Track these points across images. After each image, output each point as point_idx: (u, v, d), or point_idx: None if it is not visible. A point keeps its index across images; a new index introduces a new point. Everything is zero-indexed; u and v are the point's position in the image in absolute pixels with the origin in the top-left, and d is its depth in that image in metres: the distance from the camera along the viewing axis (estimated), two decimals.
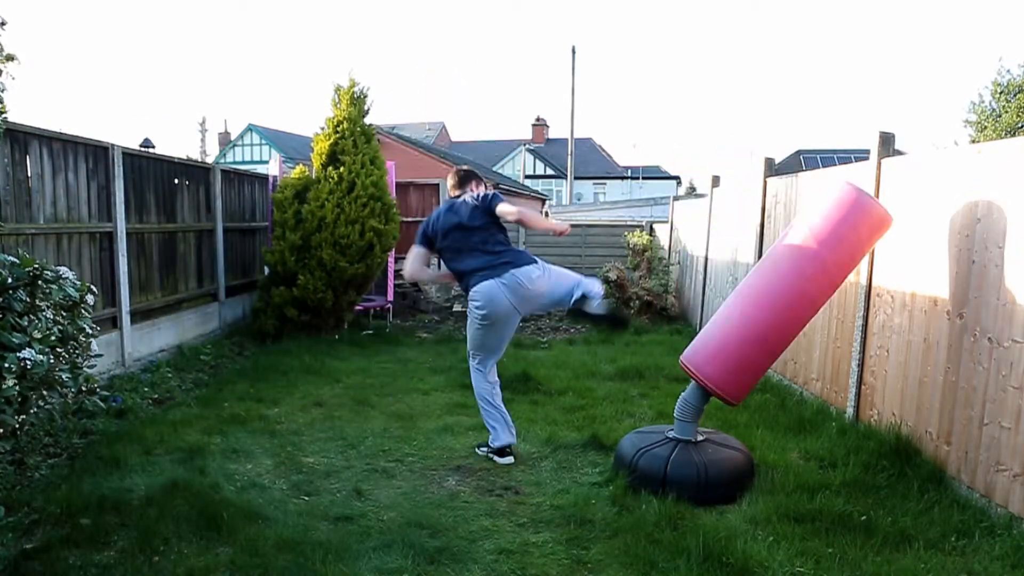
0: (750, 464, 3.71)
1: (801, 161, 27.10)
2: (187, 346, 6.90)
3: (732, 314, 3.74)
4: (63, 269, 2.94)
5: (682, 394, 3.78)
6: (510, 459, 4.11)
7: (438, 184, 12.46)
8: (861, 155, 5.52)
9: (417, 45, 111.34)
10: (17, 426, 2.67)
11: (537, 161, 39.28)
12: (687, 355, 3.78)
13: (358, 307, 8.51)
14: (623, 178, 39.67)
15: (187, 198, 7.23)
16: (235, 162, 33.34)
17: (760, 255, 6.42)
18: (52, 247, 5.14)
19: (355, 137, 7.88)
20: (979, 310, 3.43)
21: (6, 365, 2.47)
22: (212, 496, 3.45)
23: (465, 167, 4.65)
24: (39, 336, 2.63)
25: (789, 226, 3.90)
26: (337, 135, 7.87)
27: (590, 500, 3.52)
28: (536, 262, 4.12)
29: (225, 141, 38.63)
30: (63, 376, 2.81)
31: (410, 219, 11.91)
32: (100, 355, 3.28)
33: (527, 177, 35.49)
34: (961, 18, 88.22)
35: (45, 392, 2.76)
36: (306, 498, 3.57)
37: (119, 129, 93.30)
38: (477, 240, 4.11)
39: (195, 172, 7.50)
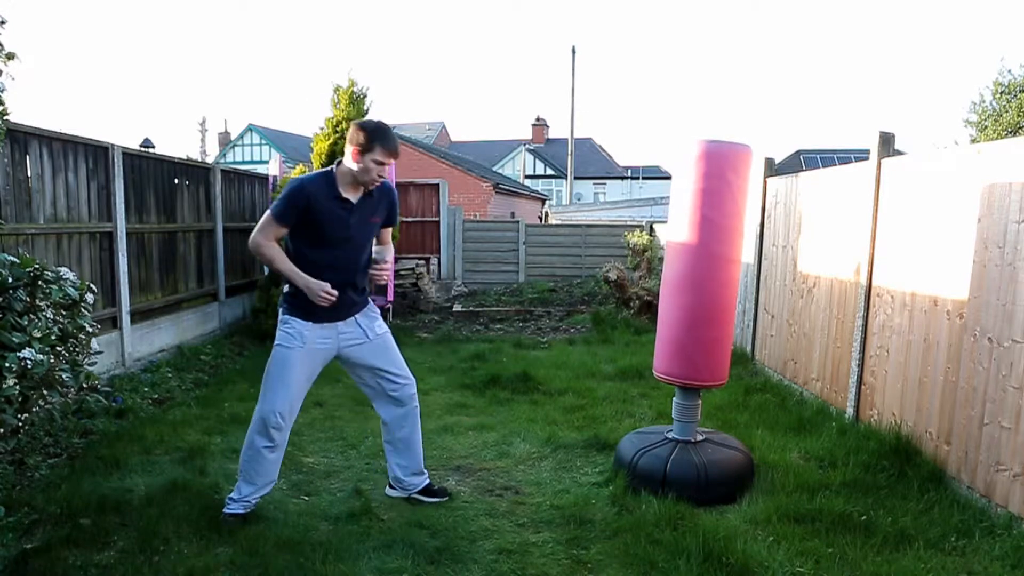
0: (750, 464, 3.71)
1: (801, 161, 27.10)
2: (187, 346, 6.90)
3: (668, 310, 3.74)
4: (63, 269, 2.95)
5: (674, 398, 3.80)
6: None
7: (438, 184, 12.48)
8: (861, 155, 5.53)
9: (417, 45, 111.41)
10: (18, 425, 2.67)
11: (537, 161, 39.28)
12: (655, 366, 3.83)
13: None
14: (623, 178, 39.68)
15: (187, 198, 7.23)
16: (235, 162, 33.31)
17: (760, 255, 6.42)
18: (52, 247, 5.14)
19: None
20: (979, 310, 3.43)
21: (6, 365, 2.47)
22: (212, 496, 3.45)
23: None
24: (39, 335, 2.63)
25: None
26: (337, 135, 7.87)
27: (590, 500, 3.52)
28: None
29: (225, 141, 38.61)
30: (63, 375, 2.81)
31: (410, 219, 11.95)
32: (100, 352, 3.28)
33: (527, 177, 35.50)
34: (961, 18, 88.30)
35: (46, 391, 2.76)
36: (306, 498, 3.57)
37: (119, 129, 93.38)
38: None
39: (195, 172, 7.50)
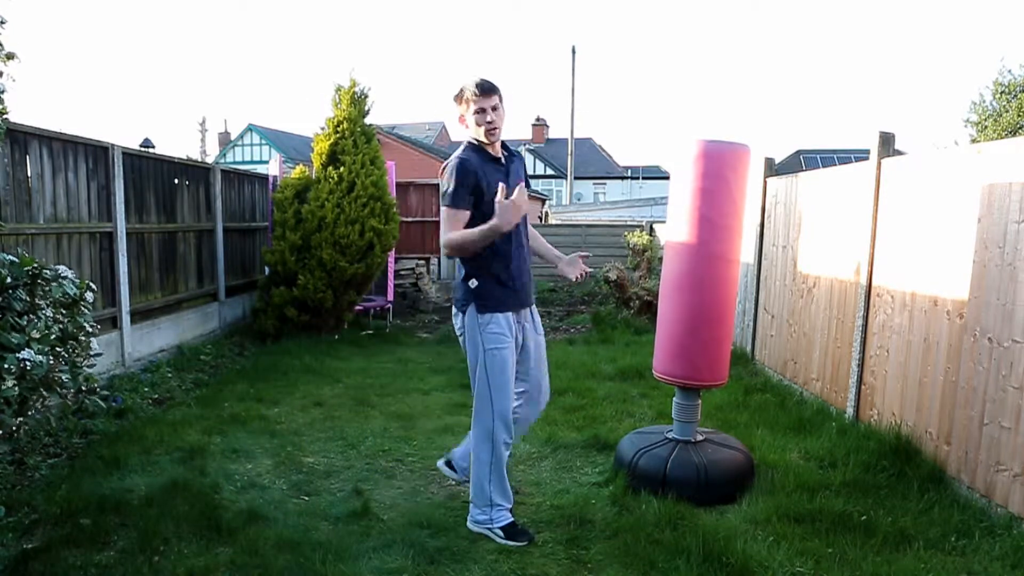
0: (750, 464, 3.71)
1: (801, 161, 27.13)
2: (187, 346, 6.90)
3: (667, 309, 3.74)
4: (62, 268, 2.94)
5: (674, 399, 3.80)
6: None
7: (438, 184, 12.47)
8: (861, 155, 5.53)
9: (417, 45, 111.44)
10: (16, 427, 2.66)
11: (537, 161, 39.29)
12: (655, 366, 3.82)
13: (358, 307, 8.52)
14: (623, 178, 39.71)
15: (187, 198, 7.23)
16: (235, 162, 33.33)
17: (760, 255, 6.42)
18: (52, 247, 5.14)
19: (355, 137, 7.88)
20: (979, 310, 3.43)
21: (5, 366, 2.47)
22: (212, 496, 3.45)
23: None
24: (38, 336, 2.63)
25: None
26: (337, 135, 7.87)
27: (590, 500, 3.52)
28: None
29: (225, 141, 38.63)
30: (63, 377, 2.81)
31: (410, 219, 11.93)
32: (100, 354, 3.27)
33: (527, 177, 35.45)
34: (961, 18, 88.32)
35: (45, 393, 2.76)
36: (306, 498, 3.57)
37: (119, 129, 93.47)
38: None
39: (195, 172, 7.50)
